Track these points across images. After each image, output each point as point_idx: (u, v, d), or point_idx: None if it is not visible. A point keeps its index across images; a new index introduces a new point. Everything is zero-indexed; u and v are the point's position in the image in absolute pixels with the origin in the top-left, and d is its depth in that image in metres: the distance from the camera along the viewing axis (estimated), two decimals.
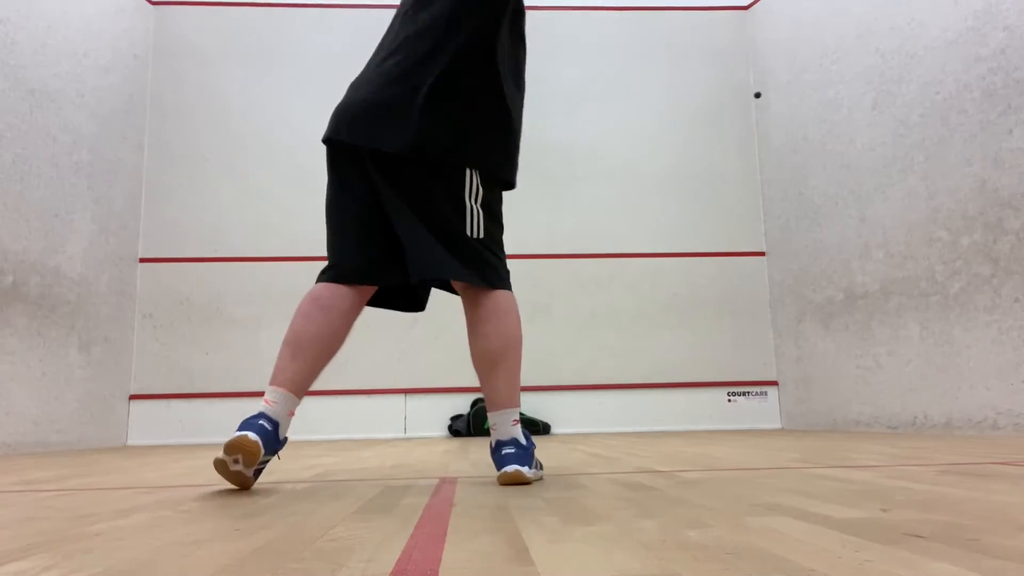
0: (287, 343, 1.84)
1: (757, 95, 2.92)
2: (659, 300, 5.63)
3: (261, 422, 1.73)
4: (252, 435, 1.67)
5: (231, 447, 1.68)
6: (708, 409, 5.50)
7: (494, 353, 1.87)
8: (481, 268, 1.88)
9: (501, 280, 1.92)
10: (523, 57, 2.06)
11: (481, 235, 1.89)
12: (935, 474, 1.79)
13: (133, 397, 5.24)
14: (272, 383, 1.81)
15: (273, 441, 1.75)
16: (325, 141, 1.96)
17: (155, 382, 5.28)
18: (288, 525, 1.20)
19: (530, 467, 1.81)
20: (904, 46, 4.37)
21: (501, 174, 1.96)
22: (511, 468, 1.76)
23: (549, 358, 5.46)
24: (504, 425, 1.86)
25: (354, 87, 1.99)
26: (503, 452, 1.82)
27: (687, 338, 5.59)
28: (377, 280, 1.94)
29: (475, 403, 5.29)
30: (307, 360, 1.83)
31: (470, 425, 5.20)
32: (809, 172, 5.23)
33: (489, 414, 1.91)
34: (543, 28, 6.02)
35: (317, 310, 1.85)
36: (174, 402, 5.27)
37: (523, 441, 1.85)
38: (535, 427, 5.18)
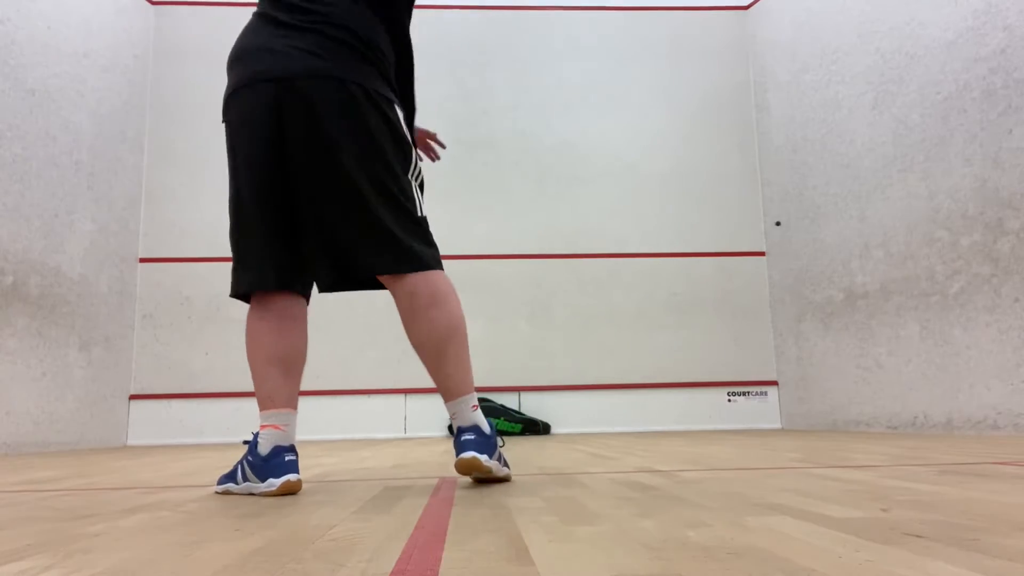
0: (273, 363, 1.72)
1: (777, 223, 2.85)
2: (659, 300, 5.63)
3: (292, 457, 1.68)
4: (294, 477, 1.66)
5: (286, 491, 1.66)
6: (708, 409, 5.50)
7: (441, 337, 1.71)
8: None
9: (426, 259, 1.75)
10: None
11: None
12: (935, 474, 1.79)
13: (133, 397, 5.24)
14: (274, 407, 1.72)
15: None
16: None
17: (155, 382, 5.28)
18: (288, 525, 1.20)
19: (491, 456, 1.69)
20: (904, 46, 4.37)
21: None
22: (468, 454, 1.64)
23: (549, 358, 5.46)
24: (464, 412, 1.72)
25: None
26: (462, 438, 1.68)
27: (687, 338, 5.59)
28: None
29: None
30: (296, 374, 1.77)
31: None
32: (809, 172, 5.23)
33: (446, 404, 1.77)
34: (543, 28, 6.03)
35: (289, 321, 1.76)
36: (174, 402, 5.27)
37: (485, 429, 1.71)
38: (535, 427, 5.18)
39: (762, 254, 5.76)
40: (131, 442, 5.17)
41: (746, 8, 6.06)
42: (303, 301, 1.84)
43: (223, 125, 1.82)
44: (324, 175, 1.68)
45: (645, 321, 5.59)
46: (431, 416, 5.32)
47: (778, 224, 2.87)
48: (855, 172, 4.75)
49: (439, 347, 1.72)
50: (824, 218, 5.05)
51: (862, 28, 4.72)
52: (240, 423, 5.23)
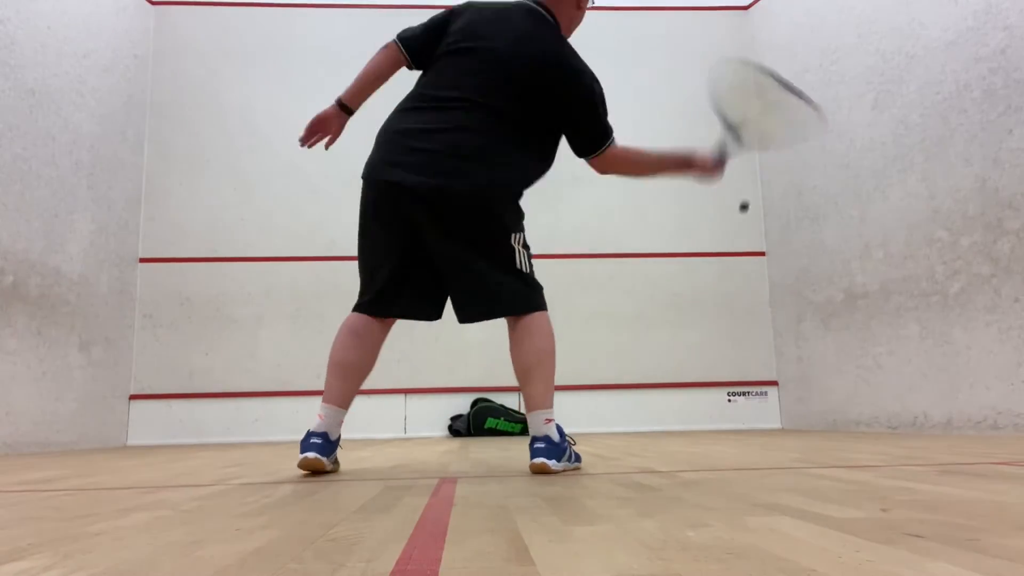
0: (334, 366, 2.21)
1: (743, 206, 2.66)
2: (659, 300, 5.63)
3: (313, 440, 2.12)
4: (311, 455, 2.10)
5: (302, 466, 2.12)
6: (708, 409, 5.50)
7: (530, 364, 2.16)
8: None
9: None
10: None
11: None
12: (935, 474, 1.79)
13: (133, 397, 5.24)
14: (324, 401, 2.19)
15: (330, 447, 2.16)
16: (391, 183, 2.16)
17: (155, 382, 5.28)
18: (288, 525, 1.20)
19: (559, 460, 2.07)
20: (904, 46, 4.37)
21: None
22: (538, 460, 2.05)
23: None
24: (537, 424, 2.13)
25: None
26: (535, 446, 2.09)
27: (687, 338, 5.59)
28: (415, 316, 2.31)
29: (475, 403, 5.28)
30: (351, 381, 2.22)
31: (470, 425, 5.20)
32: (809, 172, 5.23)
33: (528, 415, 2.18)
34: None
35: (356, 339, 2.23)
36: (174, 402, 5.27)
37: (555, 438, 2.10)
38: None
39: (762, 254, 5.76)
40: (131, 442, 5.17)
41: (746, 8, 6.06)
42: (388, 325, 2.31)
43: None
44: (471, 248, 2.19)
45: (645, 321, 5.59)
46: (431, 416, 5.32)
47: (745, 207, 2.67)
48: (855, 172, 4.75)
49: (527, 370, 2.16)
50: (824, 218, 5.05)
51: (862, 28, 4.72)
52: (240, 423, 5.24)
